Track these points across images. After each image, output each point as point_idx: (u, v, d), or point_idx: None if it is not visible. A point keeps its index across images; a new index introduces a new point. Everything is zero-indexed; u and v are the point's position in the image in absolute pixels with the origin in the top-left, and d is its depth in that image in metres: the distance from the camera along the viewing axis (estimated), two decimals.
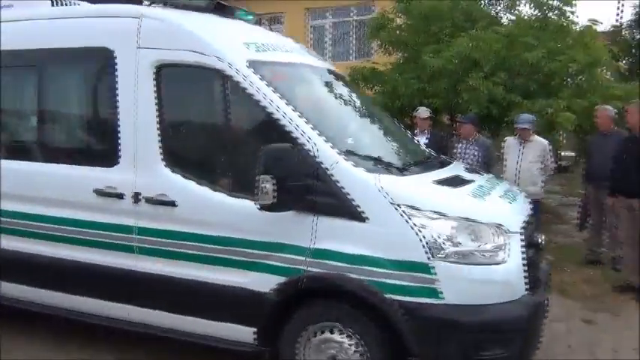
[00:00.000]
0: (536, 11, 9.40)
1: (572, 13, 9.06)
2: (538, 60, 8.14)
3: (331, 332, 3.30)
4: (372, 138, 4.17)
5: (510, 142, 6.81)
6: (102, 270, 3.78)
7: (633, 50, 16.18)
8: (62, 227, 3.91)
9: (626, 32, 16.42)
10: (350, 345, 3.25)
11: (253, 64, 3.52)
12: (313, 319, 3.35)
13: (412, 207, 3.12)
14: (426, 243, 3.05)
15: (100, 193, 3.75)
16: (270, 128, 3.36)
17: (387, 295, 3.08)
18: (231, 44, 3.68)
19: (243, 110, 3.61)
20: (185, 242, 3.54)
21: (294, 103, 3.42)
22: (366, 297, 3.15)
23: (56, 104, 4.22)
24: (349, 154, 3.32)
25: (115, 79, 3.75)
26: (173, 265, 3.59)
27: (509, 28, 9.18)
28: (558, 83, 8.73)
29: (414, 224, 3.08)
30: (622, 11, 17.18)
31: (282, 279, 3.30)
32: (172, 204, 3.55)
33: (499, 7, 10.56)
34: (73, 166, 3.93)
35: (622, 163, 5.70)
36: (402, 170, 3.52)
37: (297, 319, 3.38)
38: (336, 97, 4.33)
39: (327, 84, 4.36)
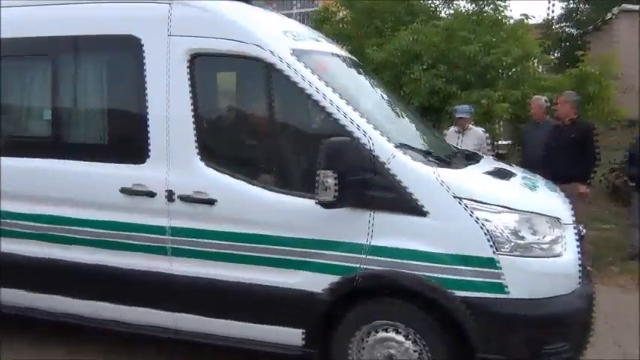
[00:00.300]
0: (473, 5, 9.79)
1: (506, 7, 9.51)
2: (475, 53, 8.49)
3: (386, 331, 3.16)
4: (411, 130, 3.95)
5: (450, 132, 7.05)
6: (130, 274, 3.50)
7: (563, 43, 17.04)
8: (84, 229, 3.58)
9: (557, 26, 17.25)
10: (410, 345, 3.12)
11: (296, 53, 3.32)
12: (368, 319, 3.19)
13: (475, 200, 3.00)
14: (491, 237, 2.93)
15: (127, 191, 3.45)
16: (321, 121, 3.22)
17: (454, 293, 2.95)
18: (272, 32, 3.45)
19: (288, 102, 3.40)
20: (227, 242, 3.31)
21: (341, 93, 3.22)
22: (434, 296, 3.00)
23: (75, 97, 3.79)
24: (404, 147, 3.16)
25: (143, 68, 3.44)
26: (212, 267, 3.35)
27: (448, 22, 9.50)
28: (494, 75, 9.11)
29: (478, 218, 2.95)
30: (553, 7, 18.04)
31: (336, 278, 3.12)
32: (211, 202, 3.29)
33: (438, 2, 10.92)
34: (96, 163, 3.58)
35: (551, 150, 6.08)
36: (449, 163, 3.33)
37: (350, 318, 3.21)
38: (370, 88, 4.16)
39: (360, 73, 4.19)
